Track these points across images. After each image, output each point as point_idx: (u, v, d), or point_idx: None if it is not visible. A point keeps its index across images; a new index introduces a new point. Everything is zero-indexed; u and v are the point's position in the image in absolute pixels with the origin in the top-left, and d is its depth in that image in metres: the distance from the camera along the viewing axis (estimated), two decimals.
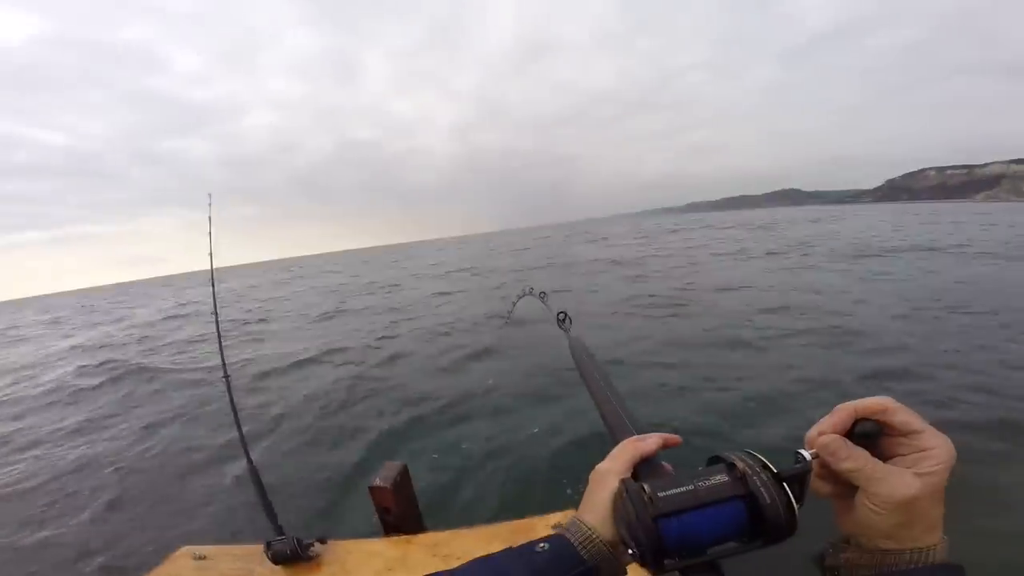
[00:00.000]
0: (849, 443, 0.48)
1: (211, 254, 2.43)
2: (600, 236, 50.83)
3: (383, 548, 1.60)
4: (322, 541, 1.60)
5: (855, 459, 0.47)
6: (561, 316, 1.35)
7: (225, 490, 4.34)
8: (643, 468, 0.58)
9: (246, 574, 1.52)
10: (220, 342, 2.15)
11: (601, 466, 0.59)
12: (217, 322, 2.31)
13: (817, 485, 0.51)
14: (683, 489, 0.48)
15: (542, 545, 0.53)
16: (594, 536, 0.52)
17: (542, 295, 1.80)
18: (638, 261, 21.02)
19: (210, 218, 2.42)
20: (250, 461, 1.77)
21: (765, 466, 0.48)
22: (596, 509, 0.54)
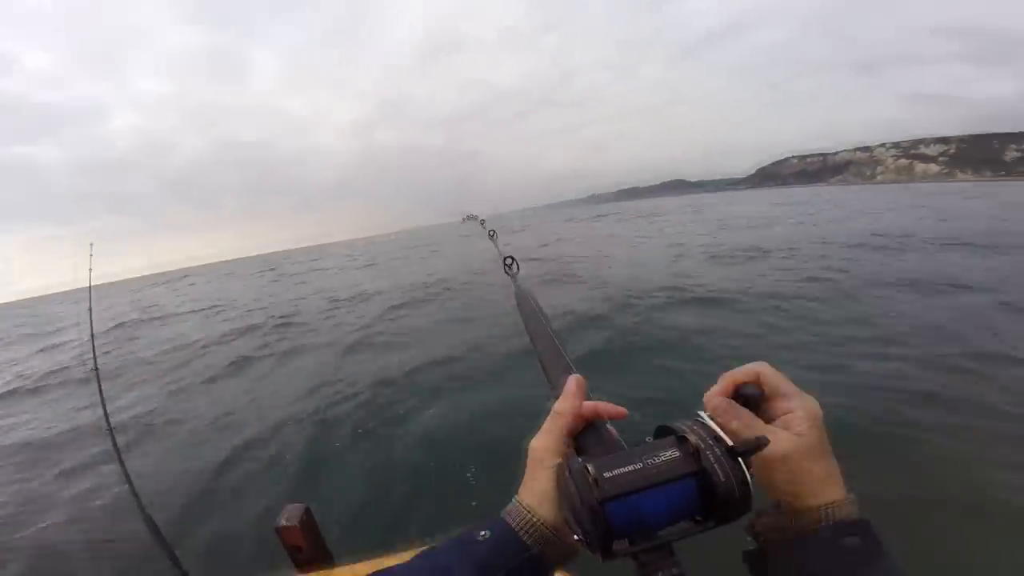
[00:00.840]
0: (735, 404, 0.53)
1: (91, 309, 2.45)
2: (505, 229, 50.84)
3: None
4: None
5: (740, 418, 0.51)
6: (508, 261, 1.30)
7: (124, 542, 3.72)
8: (586, 437, 0.55)
9: None
10: (101, 393, 2.03)
11: (537, 442, 0.54)
12: (98, 378, 2.16)
13: None
14: (630, 468, 0.43)
15: (483, 533, 0.49)
16: (535, 519, 0.49)
17: (491, 232, 1.70)
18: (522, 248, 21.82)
19: (90, 269, 2.47)
20: (144, 510, 1.71)
21: (718, 438, 0.44)
22: (536, 490, 0.51)
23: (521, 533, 0.49)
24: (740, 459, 0.43)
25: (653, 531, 0.44)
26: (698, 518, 0.45)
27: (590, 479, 0.43)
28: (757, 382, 0.54)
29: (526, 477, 0.53)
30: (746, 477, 0.42)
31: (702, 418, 0.49)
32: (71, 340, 14.83)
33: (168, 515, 3.90)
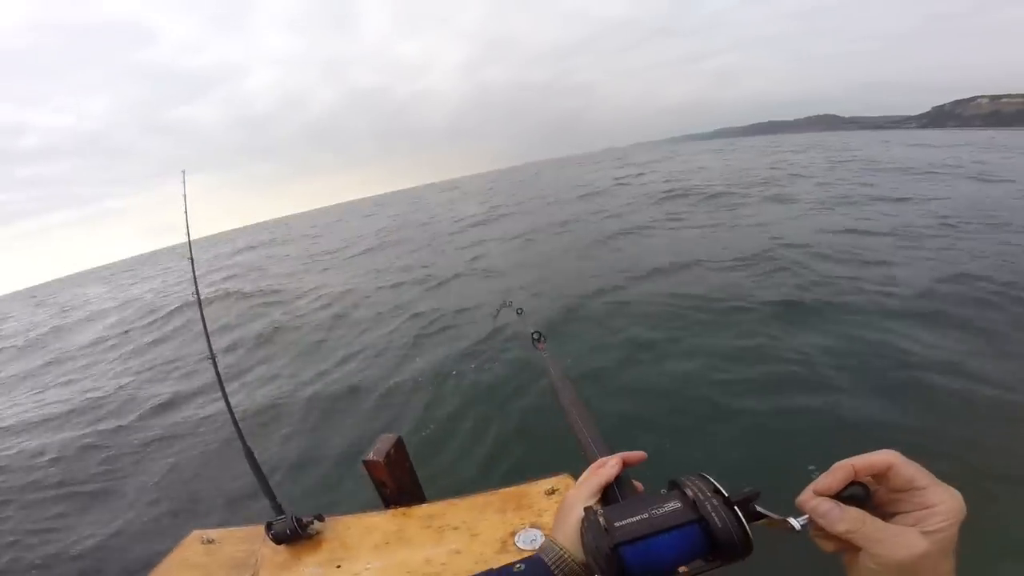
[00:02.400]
0: (841, 506, 0.47)
1: (187, 231, 2.34)
2: (616, 163, 47.27)
3: (380, 522, 1.64)
4: (320, 518, 1.63)
5: (849, 521, 0.46)
6: (536, 336, 1.40)
7: (229, 473, 4.35)
8: (611, 491, 0.63)
9: (250, 554, 1.59)
10: (204, 322, 2.15)
11: (570, 493, 0.65)
12: (200, 302, 2.19)
13: (821, 542, 0.49)
14: (638, 518, 0.52)
15: (518, 566, 0.58)
16: (566, 557, 0.57)
17: (519, 311, 1.88)
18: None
19: (184, 196, 2.33)
20: (245, 444, 1.81)
21: (716, 490, 0.52)
22: (568, 532, 0.59)
23: (554, 568, 0.57)
24: (736, 507, 0.50)
25: (666, 571, 0.50)
26: (708, 558, 0.51)
27: (602, 527, 0.52)
28: (882, 476, 0.48)
29: (558, 520, 0.63)
30: (742, 522, 0.49)
31: (706, 475, 0.55)
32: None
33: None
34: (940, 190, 12.03)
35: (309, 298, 10.65)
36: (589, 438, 0.80)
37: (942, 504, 0.44)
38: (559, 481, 1.55)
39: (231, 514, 3.81)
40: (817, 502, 0.48)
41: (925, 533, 0.43)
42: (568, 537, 0.58)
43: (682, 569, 0.51)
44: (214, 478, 4.38)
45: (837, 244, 7.71)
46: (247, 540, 1.67)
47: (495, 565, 0.63)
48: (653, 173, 25.30)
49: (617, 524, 0.51)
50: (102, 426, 6.13)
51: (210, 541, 1.69)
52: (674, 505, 0.52)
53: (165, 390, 7.01)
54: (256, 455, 1.82)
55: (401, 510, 1.68)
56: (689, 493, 0.53)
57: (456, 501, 1.63)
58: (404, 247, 16.09)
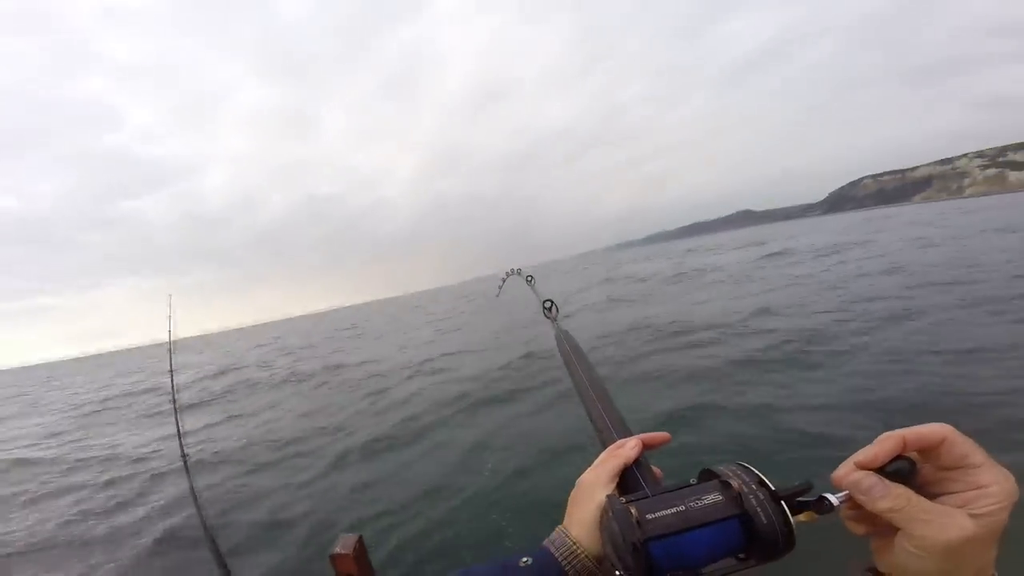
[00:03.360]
0: (886, 480, 0.41)
1: (171, 350, 2.62)
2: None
3: None
4: None
5: (894, 498, 0.40)
6: (547, 304, 1.27)
7: None
8: (629, 476, 0.57)
9: None
10: (178, 424, 2.06)
11: (585, 477, 0.57)
12: (175, 404, 2.18)
13: (852, 524, 0.45)
14: (674, 511, 0.46)
15: (525, 560, 0.51)
16: (579, 551, 0.51)
17: (529, 278, 1.73)
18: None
19: (170, 317, 2.64)
20: (215, 548, 1.76)
21: (761, 482, 0.46)
22: (581, 523, 0.53)
23: (563, 562, 0.50)
24: (783, 503, 0.44)
25: (695, 569, 0.45)
26: (741, 555, 0.46)
27: (633, 519, 0.45)
28: (934, 451, 0.41)
29: (572, 509, 0.55)
30: (789, 519, 0.43)
31: (746, 464, 0.49)
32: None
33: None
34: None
35: None
36: (605, 417, 0.72)
37: (995, 485, 0.40)
38: None
39: None
40: (860, 476, 0.42)
41: (974, 516, 0.40)
42: (584, 527, 0.53)
43: (710, 568, 0.46)
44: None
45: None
46: None
47: None
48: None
49: (649, 517, 0.46)
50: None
51: None
52: (714, 498, 0.47)
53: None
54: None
55: None
56: (734, 484, 0.47)
57: None
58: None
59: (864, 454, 0.43)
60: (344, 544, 1.79)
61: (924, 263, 13.01)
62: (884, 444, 0.42)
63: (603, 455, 0.60)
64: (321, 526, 4.48)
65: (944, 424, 0.41)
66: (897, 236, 23.87)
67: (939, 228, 25.51)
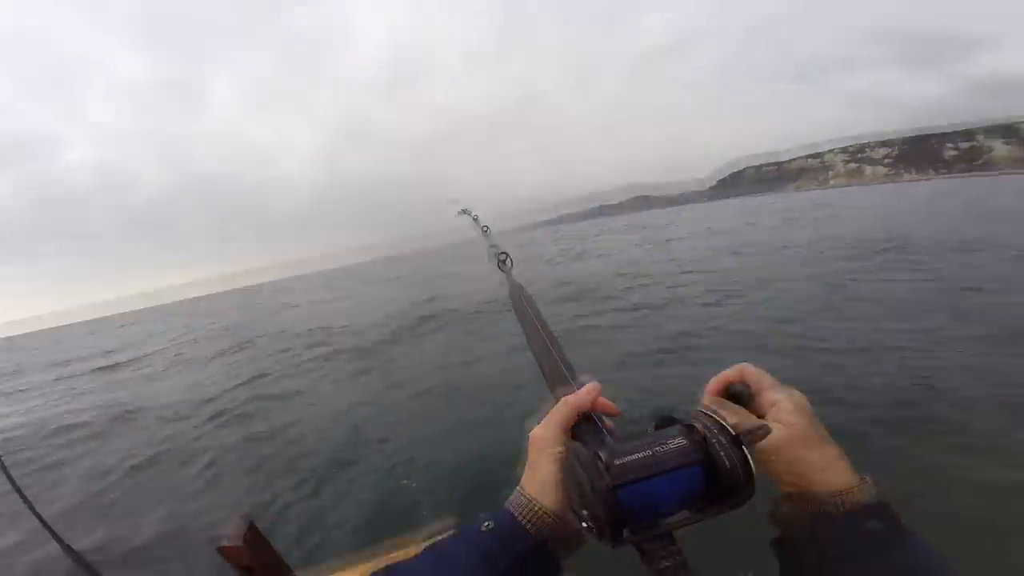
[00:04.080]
0: (725, 402, 0.57)
1: None
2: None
3: None
4: None
5: (734, 414, 0.52)
6: (502, 257, 1.22)
7: None
8: (583, 427, 0.54)
9: None
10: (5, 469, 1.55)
11: (538, 431, 0.55)
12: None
13: None
14: (642, 455, 0.45)
15: (487, 524, 0.50)
16: (537, 508, 0.50)
17: (485, 228, 1.55)
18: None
19: None
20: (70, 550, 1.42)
21: (723, 428, 0.46)
22: (538, 479, 0.52)
23: (524, 522, 0.49)
24: (743, 447, 0.45)
25: (658, 519, 0.45)
26: (700, 506, 0.46)
27: (601, 465, 0.44)
28: (743, 381, 0.60)
29: (528, 466, 0.54)
30: (750, 463, 0.44)
31: (706, 410, 0.50)
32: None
33: None
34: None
35: None
36: (556, 370, 0.69)
37: (784, 400, 0.54)
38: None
39: None
40: (709, 399, 0.59)
41: (780, 424, 0.52)
42: (540, 484, 0.51)
43: (672, 520, 0.46)
44: None
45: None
46: None
47: None
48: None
49: (618, 462, 0.44)
50: None
51: None
52: (680, 442, 0.46)
53: None
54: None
55: None
56: (698, 427, 0.47)
57: (331, 570, 1.46)
58: None
59: (707, 388, 0.62)
60: (233, 535, 1.53)
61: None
62: (714, 382, 0.62)
63: (555, 407, 0.56)
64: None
65: (743, 363, 0.61)
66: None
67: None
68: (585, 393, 0.56)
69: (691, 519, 0.46)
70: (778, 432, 0.51)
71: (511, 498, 0.52)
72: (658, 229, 39.75)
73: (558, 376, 0.66)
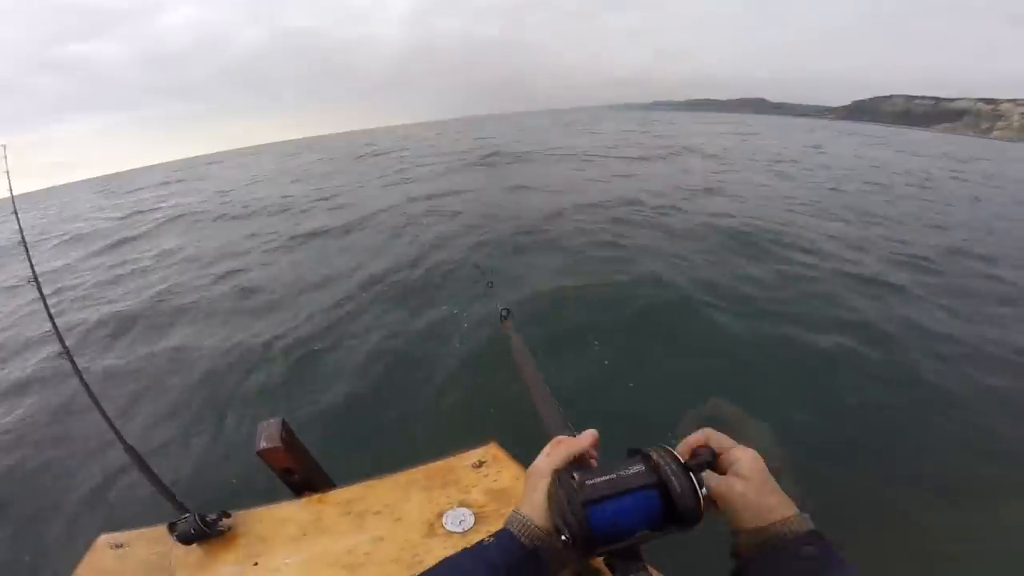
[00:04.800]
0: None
1: (11, 190, 2.36)
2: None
3: (294, 512, 1.51)
4: (227, 514, 1.47)
5: (709, 477, 0.63)
6: (504, 313, 1.38)
7: (114, 476, 3.65)
8: (575, 466, 0.67)
9: (163, 556, 1.43)
10: (48, 310, 1.87)
11: (537, 463, 0.69)
12: (43, 295, 1.94)
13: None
14: (606, 477, 0.57)
15: (489, 539, 0.64)
16: (529, 523, 0.63)
17: (490, 284, 2.00)
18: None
19: (7, 172, 2.41)
20: (127, 444, 1.63)
21: (675, 458, 0.59)
22: (532, 502, 0.65)
23: (520, 536, 0.62)
24: (692, 473, 0.57)
25: (625, 536, 0.56)
26: (660, 526, 0.57)
27: (575, 485, 0.57)
28: (707, 445, 0.67)
29: (524, 492, 0.68)
30: (696, 487, 0.56)
31: (666, 445, 0.61)
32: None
33: None
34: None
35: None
36: (550, 415, 0.89)
37: (742, 458, 0.64)
38: (486, 452, 1.47)
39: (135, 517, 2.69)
40: None
41: (740, 478, 0.62)
42: (535, 506, 0.64)
43: (636, 537, 0.57)
44: (98, 483, 3.65)
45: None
46: (159, 541, 1.49)
47: (423, 552, 0.73)
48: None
49: (588, 483, 0.57)
50: None
51: (119, 545, 1.51)
52: (638, 468, 0.59)
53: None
54: (141, 452, 1.58)
55: (316, 496, 1.55)
56: (654, 457, 0.59)
57: (375, 482, 1.51)
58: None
59: (677, 451, 0.65)
60: (268, 435, 1.58)
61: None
62: (683, 446, 0.69)
63: (552, 444, 0.72)
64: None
65: (705, 428, 0.69)
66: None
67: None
68: (584, 439, 0.72)
69: (651, 536, 0.57)
70: (739, 485, 0.61)
71: (508, 518, 0.66)
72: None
73: (555, 422, 0.91)
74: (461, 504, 1.30)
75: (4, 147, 2.48)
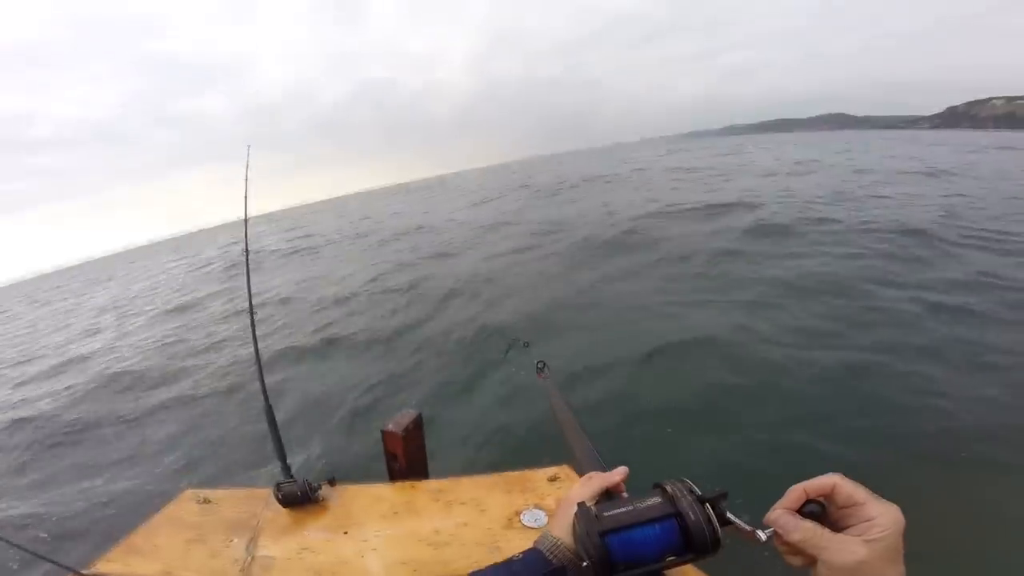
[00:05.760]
0: (797, 517, 0.55)
1: (246, 199, 2.55)
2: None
3: (389, 493, 1.61)
4: (331, 483, 1.58)
5: (803, 531, 0.54)
6: (540, 366, 1.51)
7: (244, 426, 4.93)
8: (605, 497, 0.71)
9: (251, 516, 1.50)
10: (248, 280, 2.20)
11: (570, 494, 0.72)
12: (247, 262, 2.31)
13: (789, 558, 0.56)
14: (624, 510, 0.60)
15: (518, 555, 0.67)
16: (559, 543, 0.66)
17: (526, 344, 2.18)
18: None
19: (247, 166, 2.59)
20: (268, 404, 1.77)
21: (692, 490, 0.60)
22: (562, 526, 0.68)
23: (548, 554, 0.65)
24: (707, 504, 0.58)
25: (643, 563, 0.58)
26: (679, 554, 0.58)
27: (594, 516, 0.60)
28: (830, 495, 0.56)
29: (556, 516, 0.72)
30: (712, 518, 0.57)
31: (682, 478, 0.62)
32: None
33: None
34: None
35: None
36: (584, 454, 0.96)
37: (881, 516, 0.51)
38: (560, 470, 1.55)
39: (230, 477, 4.05)
40: (777, 514, 0.57)
41: (867, 542, 0.50)
42: (563, 530, 0.67)
43: (655, 566, 0.59)
44: (227, 436, 4.75)
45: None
46: (246, 502, 1.59)
47: (501, 540, 0.79)
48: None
49: (606, 514, 0.60)
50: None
51: (206, 501, 1.60)
52: (655, 500, 0.61)
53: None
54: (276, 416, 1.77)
55: (409, 483, 1.67)
56: (669, 490, 0.61)
57: (462, 479, 1.62)
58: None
59: (780, 503, 0.58)
60: (397, 421, 1.79)
61: None
62: (790, 495, 0.57)
63: (586, 478, 0.75)
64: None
65: (834, 473, 0.57)
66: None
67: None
68: (615, 474, 0.73)
69: (671, 563, 0.58)
70: (861, 549, 0.50)
71: (538, 539, 0.69)
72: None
73: (589, 461, 0.98)
74: (537, 507, 1.41)
75: (248, 146, 2.66)
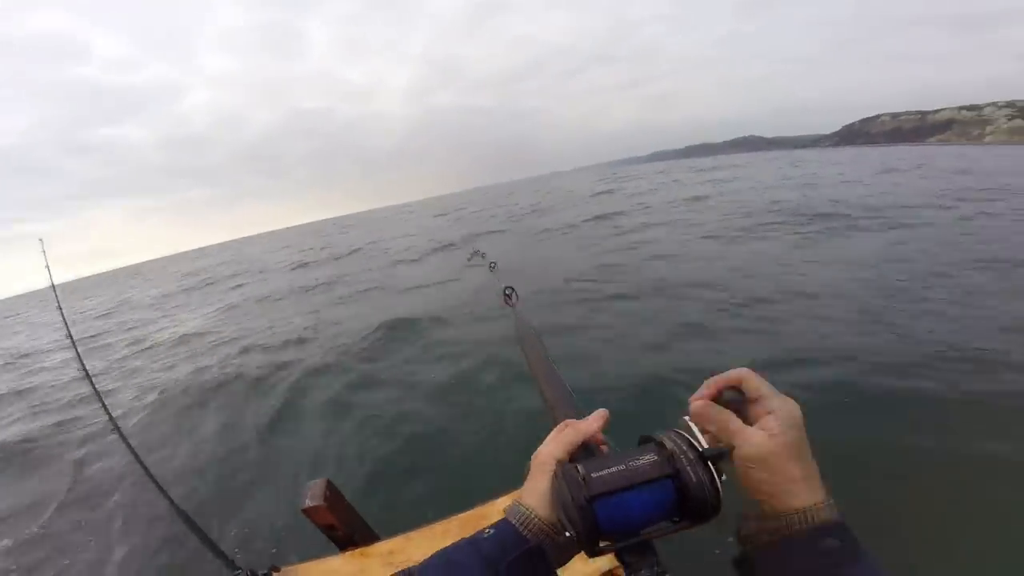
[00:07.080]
0: (715, 406, 0.56)
1: (53, 286, 2.43)
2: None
3: (339, 565, 1.55)
4: (276, 569, 1.51)
5: (720, 421, 0.55)
6: (508, 291, 1.35)
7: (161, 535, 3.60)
8: (582, 450, 0.61)
9: None
10: (94, 385, 1.88)
11: (541, 450, 0.61)
12: (85, 369, 1.94)
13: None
14: (615, 469, 0.50)
15: (488, 530, 0.56)
16: (532, 516, 0.55)
17: (492, 264, 1.88)
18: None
19: (47, 267, 2.49)
20: (176, 506, 1.67)
21: (692, 445, 0.52)
22: (535, 492, 0.57)
23: (521, 529, 0.55)
24: (710, 463, 0.50)
25: (636, 530, 0.51)
26: (676, 519, 0.51)
27: (579, 478, 0.50)
28: (739, 387, 0.57)
29: (528, 481, 0.60)
30: (715, 479, 0.49)
31: (679, 429, 0.55)
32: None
33: None
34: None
35: None
36: (557, 396, 0.80)
37: (779, 410, 0.52)
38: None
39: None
40: (697, 404, 0.57)
41: (771, 436, 0.51)
42: (538, 497, 0.57)
43: (647, 531, 0.50)
44: (148, 546, 3.50)
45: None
46: None
47: None
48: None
49: (594, 475, 0.50)
50: None
51: None
52: (651, 457, 0.51)
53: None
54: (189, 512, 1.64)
55: (359, 551, 1.59)
56: (668, 445, 0.52)
57: (412, 534, 1.54)
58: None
59: (700, 392, 0.59)
60: (312, 494, 1.66)
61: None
62: (708, 386, 0.59)
63: (557, 429, 0.64)
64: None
65: (743, 368, 0.57)
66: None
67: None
68: (593, 420, 0.64)
69: (664, 530, 0.51)
70: (764, 442, 0.51)
71: (510, 508, 0.58)
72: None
73: (563, 404, 0.80)
74: None
75: (42, 241, 2.62)
